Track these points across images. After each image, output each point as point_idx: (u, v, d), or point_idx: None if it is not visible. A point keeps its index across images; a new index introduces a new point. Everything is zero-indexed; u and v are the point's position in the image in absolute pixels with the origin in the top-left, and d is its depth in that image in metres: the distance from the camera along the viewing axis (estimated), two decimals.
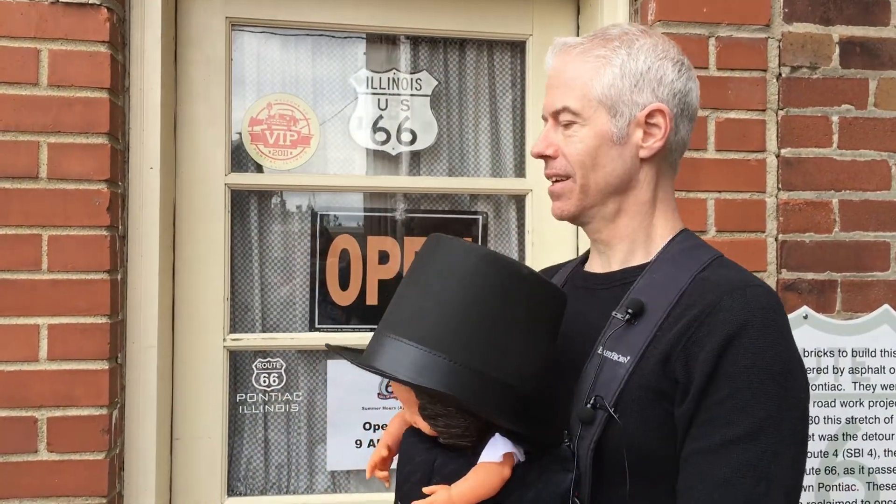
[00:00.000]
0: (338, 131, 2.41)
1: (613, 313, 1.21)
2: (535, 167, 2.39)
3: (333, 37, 2.41)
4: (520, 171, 2.47)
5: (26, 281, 1.88)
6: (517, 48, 2.48)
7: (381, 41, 2.44)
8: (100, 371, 1.89)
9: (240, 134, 2.33)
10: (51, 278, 1.88)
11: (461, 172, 2.47)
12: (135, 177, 2.05)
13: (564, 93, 1.26)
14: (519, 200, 2.45)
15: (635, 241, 1.29)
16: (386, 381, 1.94)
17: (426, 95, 2.43)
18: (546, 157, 1.30)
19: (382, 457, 1.30)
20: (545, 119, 1.32)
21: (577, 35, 2.38)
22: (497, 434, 1.14)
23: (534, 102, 2.40)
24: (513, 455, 1.13)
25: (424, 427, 1.17)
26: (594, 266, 1.34)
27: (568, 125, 1.27)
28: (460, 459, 1.15)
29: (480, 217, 2.47)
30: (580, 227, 1.38)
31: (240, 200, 2.34)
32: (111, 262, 1.92)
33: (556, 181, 1.30)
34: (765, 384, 1.09)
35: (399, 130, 2.42)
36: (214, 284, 2.22)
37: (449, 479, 1.13)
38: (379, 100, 2.41)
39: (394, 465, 1.26)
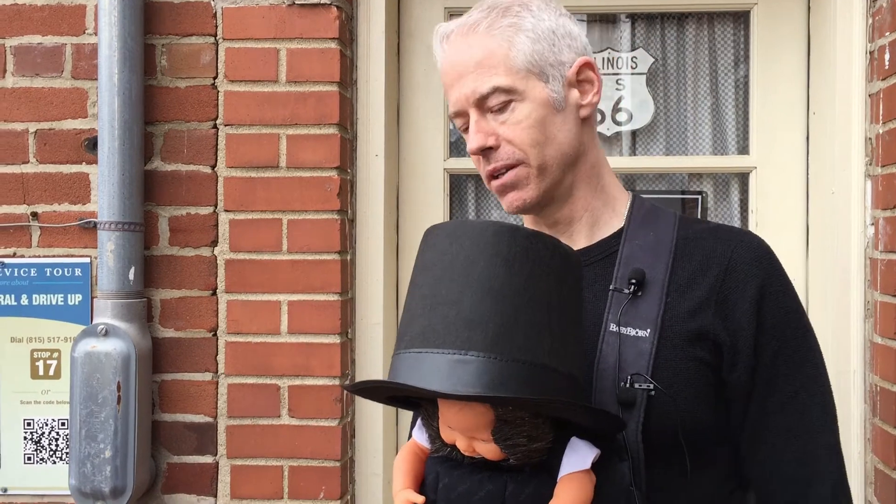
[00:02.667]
0: None
1: (612, 287, 1.13)
2: (760, 143, 2.27)
3: None
4: (743, 147, 2.36)
5: (269, 261, 2.06)
6: (740, 19, 2.36)
7: (598, 20, 2.42)
8: (332, 345, 2.05)
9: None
10: (290, 259, 2.06)
11: (679, 151, 2.40)
12: (362, 164, 2.18)
13: (484, 75, 1.13)
14: (742, 179, 2.34)
15: (596, 209, 1.21)
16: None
17: (642, 74, 2.38)
18: (487, 151, 1.15)
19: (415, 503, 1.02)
20: (458, 116, 1.18)
21: (808, 3, 2.23)
22: (574, 438, 0.99)
23: (759, 74, 2.27)
24: (595, 458, 0.99)
25: (490, 452, 0.97)
26: None
27: (502, 108, 1.14)
28: (534, 481, 0.97)
29: (699, 197, 2.39)
30: (534, 216, 1.24)
31: (458, 184, 2.43)
32: (341, 243, 2.06)
33: (505, 171, 1.16)
34: (801, 323, 1.14)
35: (614, 110, 2.39)
36: None
37: None
38: None
39: None
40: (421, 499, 1.01)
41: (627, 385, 1.07)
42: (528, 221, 1.28)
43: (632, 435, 1.06)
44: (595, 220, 1.22)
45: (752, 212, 2.27)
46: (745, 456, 1.15)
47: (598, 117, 2.38)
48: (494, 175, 1.17)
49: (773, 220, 2.24)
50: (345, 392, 2.06)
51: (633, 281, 1.12)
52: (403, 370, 0.95)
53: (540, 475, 0.98)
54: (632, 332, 1.10)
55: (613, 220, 1.22)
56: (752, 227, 2.27)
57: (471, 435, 0.97)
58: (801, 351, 1.13)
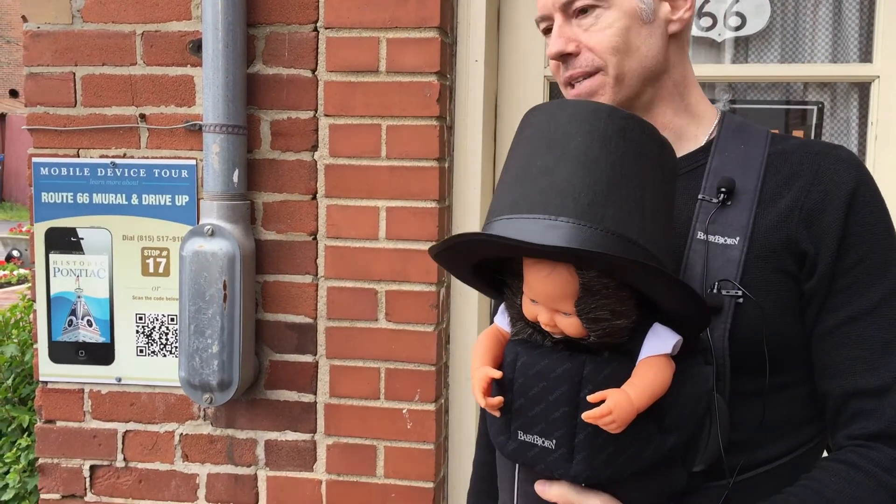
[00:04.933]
0: None
1: (700, 197, 1.11)
2: (885, 51, 2.12)
3: None
4: (865, 55, 2.21)
5: (368, 167, 2.07)
6: None
7: None
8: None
9: None
10: (388, 165, 2.06)
11: (795, 59, 2.27)
12: (461, 69, 2.14)
13: None
14: (863, 89, 2.21)
15: (679, 127, 1.19)
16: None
17: None
18: (566, 57, 1.14)
19: (492, 378, 1.03)
20: (543, 20, 1.18)
21: None
22: (657, 324, 0.98)
23: None
24: (677, 346, 0.98)
25: (572, 328, 0.97)
26: None
27: (585, 13, 1.13)
28: (613, 363, 0.97)
29: (815, 108, 2.26)
30: None
31: (558, 93, 2.36)
32: (440, 150, 2.05)
33: (584, 78, 1.14)
34: (889, 235, 1.09)
35: (726, 14, 2.26)
36: None
37: (604, 387, 0.95)
38: None
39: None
40: (498, 373, 1.02)
41: (714, 290, 1.06)
42: None
43: (718, 341, 1.05)
44: (679, 136, 1.19)
45: (873, 123, 2.14)
46: (819, 371, 1.11)
47: (703, 25, 2.26)
48: (571, 83, 1.17)
49: (895, 133, 2.11)
50: (441, 298, 2.08)
51: (723, 189, 1.11)
52: (501, 230, 0.95)
53: (620, 358, 0.98)
54: (720, 240, 1.09)
55: (699, 135, 1.20)
56: (870, 141, 2.15)
57: (554, 307, 0.97)
58: (886, 261, 1.08)
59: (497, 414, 1.03)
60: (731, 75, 2.25)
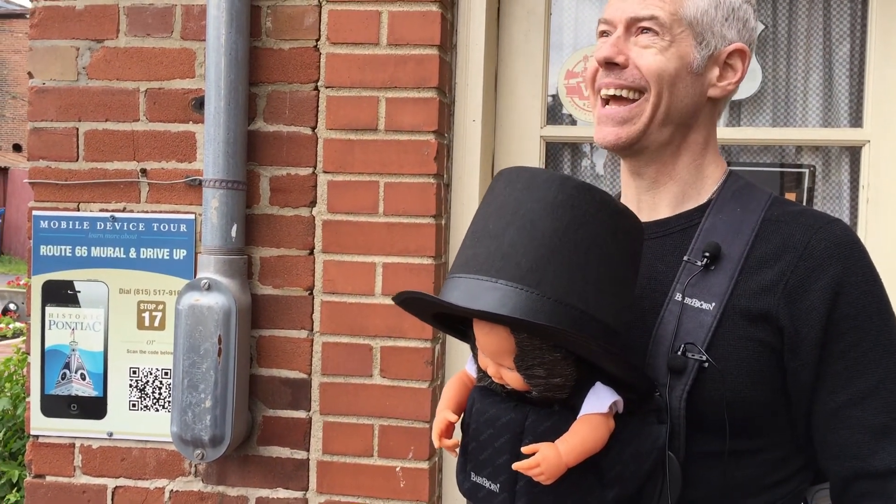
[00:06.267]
0: None
1: (685, 258, 1.13)
2: (874, 116, 2.16)
3: None
4: (856, 120, 2.25)
5: (365, 223, 2.09)
6: None
7: None
8: None
9: (556, 87, 2.38)
10: (385, 221, 2.07)
11: (787, 123, 2.31)
12: (459, 129, 2.18)
13: (652, 3, 1.14)
14: (853, 153, 2.24)
15: (686, 182, 1.20)
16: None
17: None
18: (611, 66, 1.16)
19: (450, 422, 1.13)
20: (605, 22, 1.19)
21: None
22: (598, 383, 1.03)
23: (877, 41, 2.16)
24: (617, 405, 1.03)
25: (515, 381, 1.03)
26: (639, 214, 1.17)
27: (646, 33, 1.15)
28: (554, 416, 1.03)
29: (807, 171, 2.30)
30: (622, 158, 1.24)
31: (554, 152, 2.40)
32: (437, 208, 2.07)
33: (622, 102, 1.16)
34: (885, 316, 1.09)
35: None
36: None
37: (543, 439, 1.01)
38: None
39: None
40: (455, 417, 1.12)
41: (680, 353, 1.08)
42: (623, 170, 1.28)
43: (675, 401, 1.07)
44: (682, 192, 1.22)
45: (864, 187, 2.17)
46: (820, 449, 1.13)
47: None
48: (604, 97, 1.18)
49: (886, 195, 2.14)
50: (436, 355, 2.08)
51: (707, 253, 1.12)
52: (443, 291, 1.03)
53: (562, 412, 1.03)
54: (696, 303, 1.10)
55: (701, 195, 1.21)
56: (861, 204, 2.17)
57: (498, 361, 1.03)
58: (882, 343, 1.09)
59: (454, 454, 1.12)
60: (724, 138, 2.29)
